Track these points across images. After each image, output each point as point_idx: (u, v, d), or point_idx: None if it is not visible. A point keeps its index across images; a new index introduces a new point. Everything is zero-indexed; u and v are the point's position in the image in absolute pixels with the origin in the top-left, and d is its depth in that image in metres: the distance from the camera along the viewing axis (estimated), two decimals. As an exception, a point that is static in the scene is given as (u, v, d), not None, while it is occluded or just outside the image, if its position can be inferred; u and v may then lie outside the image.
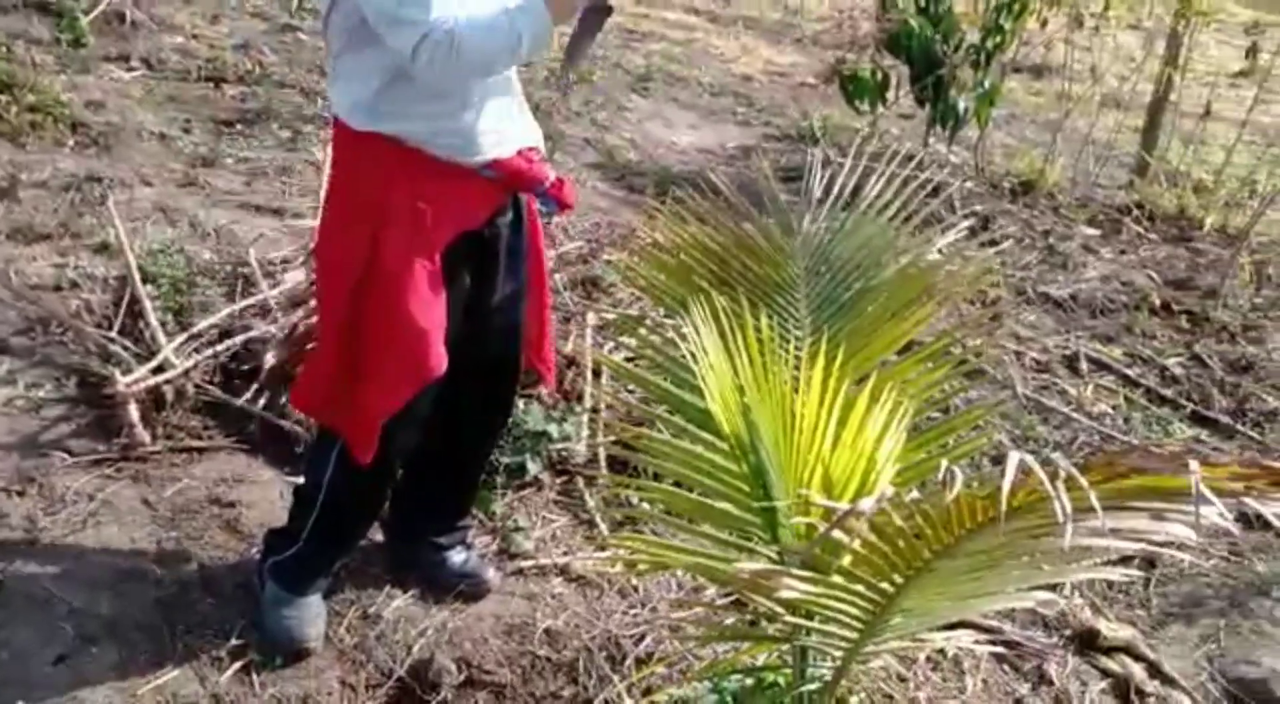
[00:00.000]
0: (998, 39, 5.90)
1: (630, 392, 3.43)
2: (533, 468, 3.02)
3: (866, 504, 1.43)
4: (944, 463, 1.42)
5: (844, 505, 1.54)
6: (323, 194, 3.84)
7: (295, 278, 3.58)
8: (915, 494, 1.47)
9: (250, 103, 5.46)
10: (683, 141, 6.46)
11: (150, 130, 4.91)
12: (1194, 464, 1.36)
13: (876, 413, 1.81)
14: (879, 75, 6.03)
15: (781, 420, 1.80)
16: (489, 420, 2.56)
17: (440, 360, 2.13)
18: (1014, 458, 1.35)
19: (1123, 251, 5.46)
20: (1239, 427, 3.86)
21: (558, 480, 3.05)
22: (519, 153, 2.18)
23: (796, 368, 1.96)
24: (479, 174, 2.13)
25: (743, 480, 1.85)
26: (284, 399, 3.03)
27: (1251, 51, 11.30)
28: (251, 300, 3.44)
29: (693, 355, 1.85)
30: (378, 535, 2.65)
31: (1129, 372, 4.15)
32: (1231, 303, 4.84)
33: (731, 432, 1.84)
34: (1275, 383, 4.17)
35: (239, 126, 5.17)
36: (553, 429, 3.10)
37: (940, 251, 2.37)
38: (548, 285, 2.54)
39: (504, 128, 2.14)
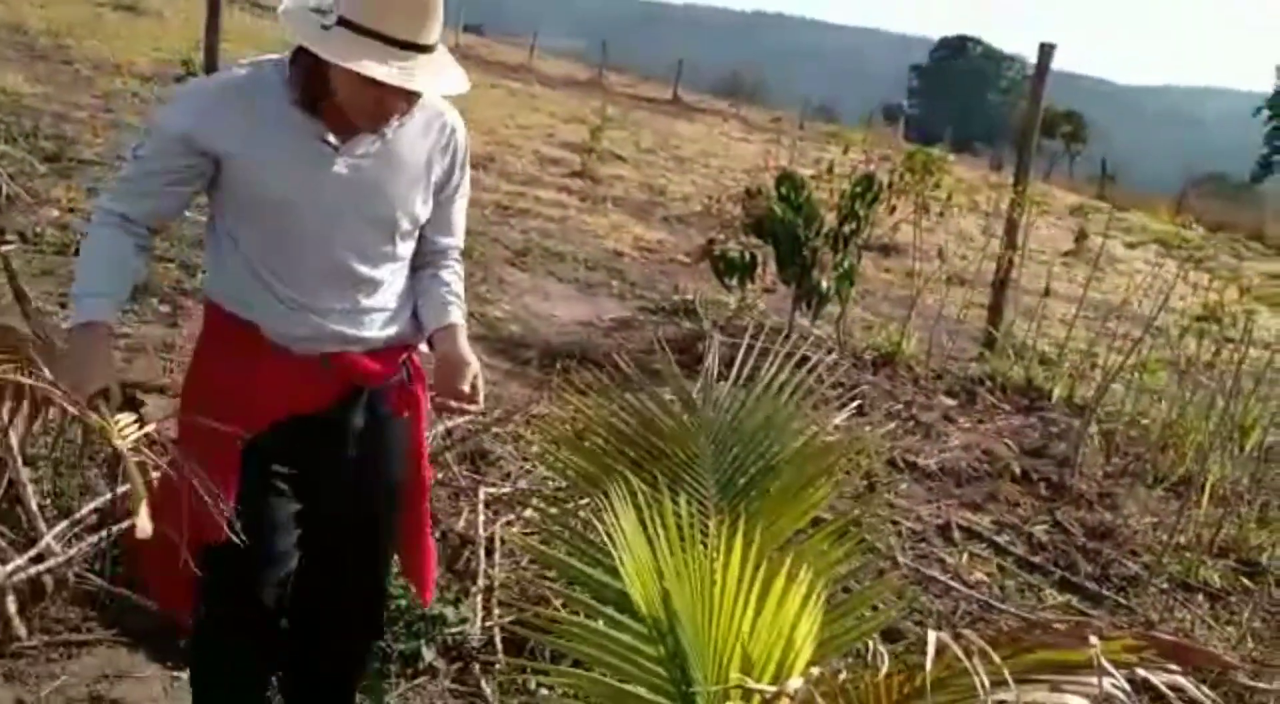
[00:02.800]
0: (854, 224, 6.35)
1: (525, 570, 3.43)
2: (428, 655, 2.94)
3: (794, 685, 1.49)
4: (870, 642, 1.51)
5: (771, 688, 1.59)
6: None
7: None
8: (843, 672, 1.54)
9: (128, 277, 5.38)
10: (562, 314, 6.64)
11: (23, 305, 4.79)
12: (1093, 638, 1.48)
13: (793, 591, 1.88)
14: (748, 255, 6.37)
15: (702, 601, 1.85)
16: (346, 642, 2.41)
17: (216, 532, 1.95)
18: (932, 636, 1.45)
19: (980, 421, 5.79)
20: (1105, 592, 4.06)
21: (453, 667, 2.98)
22: (369, 352, 2.16)
23: (708, 543, 2.01)
24: (316, 362, 2.13)
25: (659, 663, 1.87)
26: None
27: (1080, 235, 12.49)
28: (134, 482, 3.33)
29: (610, 537, 1.89)
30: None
31: (998, 539, 4.36)
32: (1086, 471, 5.15)
33: (650, 613, 1.87)
34: (1134, 548, 4.41)
35: (116, 301, 5.09)
36: (449, 612, 3.06)
37: (836, 428, 2.51)
38: (428, 497, 2.42)
39: (329, 323, 2.12)
